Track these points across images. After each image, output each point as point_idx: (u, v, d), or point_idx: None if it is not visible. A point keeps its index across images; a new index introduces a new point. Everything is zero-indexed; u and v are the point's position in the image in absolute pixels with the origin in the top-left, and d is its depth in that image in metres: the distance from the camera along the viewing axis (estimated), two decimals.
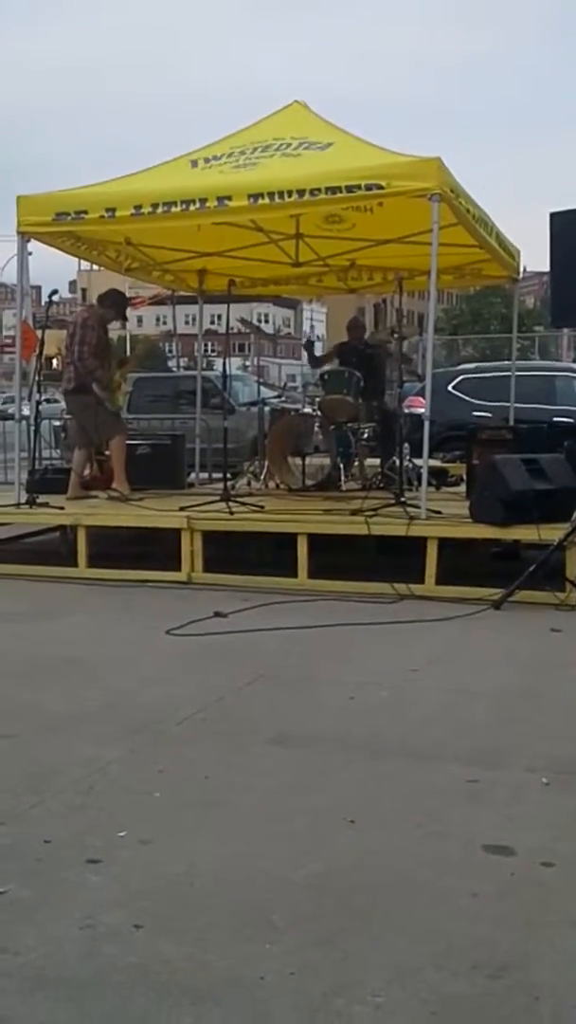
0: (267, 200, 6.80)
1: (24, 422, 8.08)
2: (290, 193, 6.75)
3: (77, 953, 2.34)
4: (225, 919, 2.49)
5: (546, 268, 7.52)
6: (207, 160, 7.54)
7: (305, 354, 10.48)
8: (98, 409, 7.97)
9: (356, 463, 8.64)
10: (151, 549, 7.31)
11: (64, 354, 8.14)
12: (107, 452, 8.29)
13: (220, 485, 7.81)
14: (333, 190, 6.66)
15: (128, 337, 56.65)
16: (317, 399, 8.81)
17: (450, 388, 11.83)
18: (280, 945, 2.36)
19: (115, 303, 8.30)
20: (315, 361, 9.85)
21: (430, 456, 7.18)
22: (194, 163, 7.60)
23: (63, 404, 9.82)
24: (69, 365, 8.00)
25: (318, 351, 10.43)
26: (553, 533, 6.09)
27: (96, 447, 8.37)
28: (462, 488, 8.09)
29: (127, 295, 9.10)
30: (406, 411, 8.44)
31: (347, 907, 2.55)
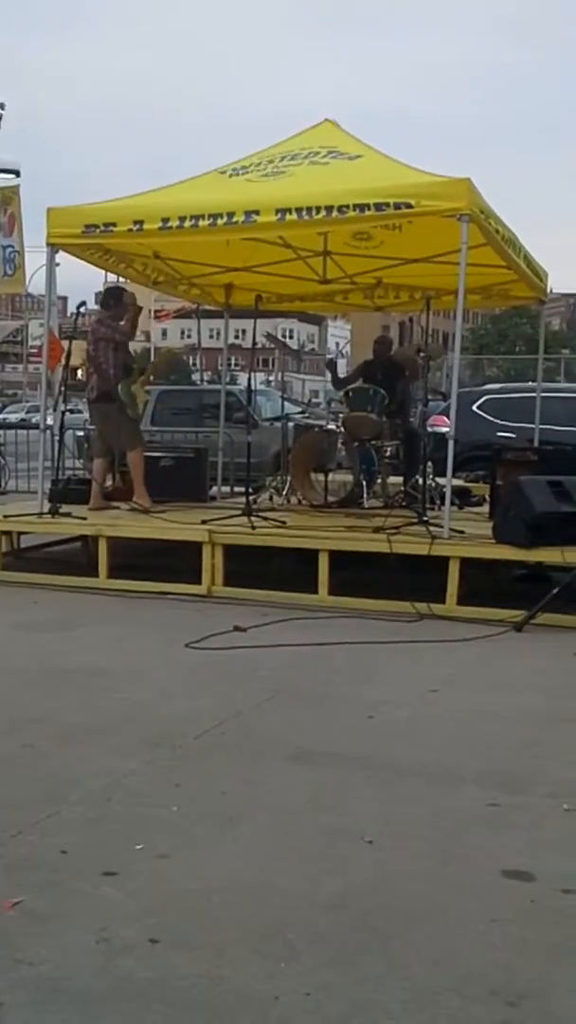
0: (295, 216, 6.81)
1: (48, 432, 8.12)
2: (318, 210, 6.76)
3: (92, 966, 2.32)
4: (241, 936, 2.47)
5: (572, 290, 7.51)
6: (236, 171, 7.59)
7: (329, 373, 10.45)
8: (121, 418, 8.01)
9: (379, 481, 8.63)
10: (172, 562, 7.31)
11: (87, 364, 8.19)
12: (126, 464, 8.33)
13: (242, 499, 7.80)
14: (362, 207, 6.67)
15: (152, 350, 57.04)
16: (341, 415, 8.81)
17: (474, 408, 11.79)
18: (296, 964, 2.34)
19: (113, 296, 8.33)
20: (338, 382, 9.83)
21: (453, 476, 7.15)
22: (223, 172, 7.65)
23: (86, 414, 9.88)
24: (92, 375, 8.06)
25: (342, 370, 10.41)
26: None
27: (116, 458, 8.42)
28: (485, 508, 8.05)
29: (154, 307, 9.15)
30: (430, 430, 8.43)
31: (365, 928, 2.52)
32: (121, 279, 10.61)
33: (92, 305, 11.15)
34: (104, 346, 7.94)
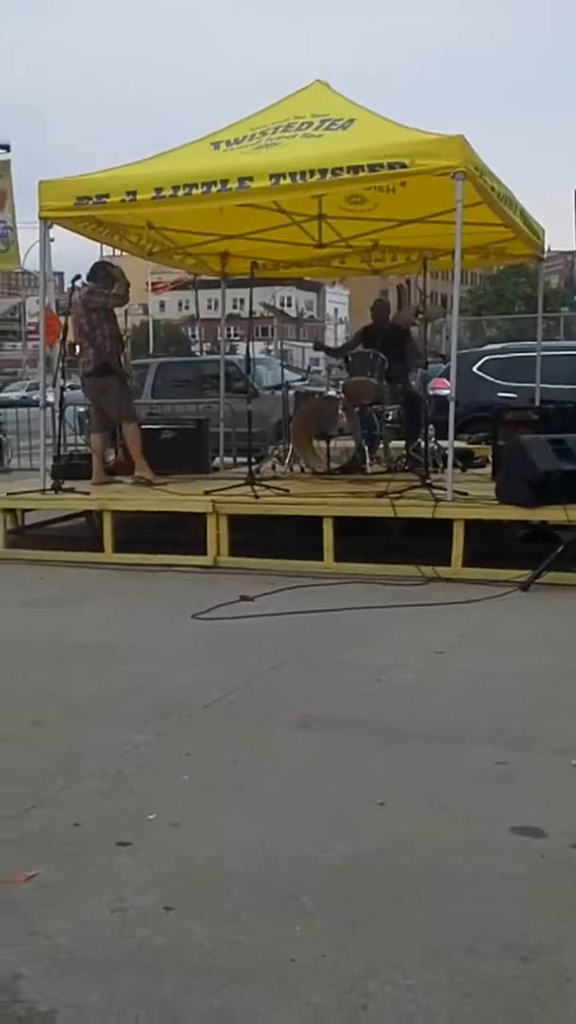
0: (289, 180, 6.75)
1: (48, 408, 8.10)
2: (312, 173, 6.70)
3: (108, 935, 2.35)
4: (255, 901, 2.49)
5: (570, 247, 7.44)
6: (228, 143, 7.49)
7: (322, 352, 10.39)
8: (121, 389, 8.01)
9: (381, 445, 8.60)
10: (176, 534, 7.32)
11: (79, 338, 8.07)
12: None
13: (245, 469, 7.79)
14: (356, 169, 6.60)
15: (151, 322, 56.80)
16: (341, 382, 8.77)
17: (475, 369, 11.75)
18: (310, 927, 2.36)
19: (101, 269, 8.27)
20: (336, 352, 9.76)
21: (455, 438, 7.13)
22: (215, 145, 7.55)
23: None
24: (87, 348, 7.98)
25: (340, 335, 10.36)
26: None
27: (117, 431, 8.40)
28: (488, 470, 8.03)
29: (150, 279, 9.10)
30: (431, 393, 8.39)
31: (377, 889, 2.54)
32: (116, 252, 10.54)
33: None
34: (98, 317, 7.88)
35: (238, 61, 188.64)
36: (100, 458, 8.19)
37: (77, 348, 8.14)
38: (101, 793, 3.17)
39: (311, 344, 18.13)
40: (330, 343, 10.21)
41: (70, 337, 8.19)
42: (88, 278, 8.23)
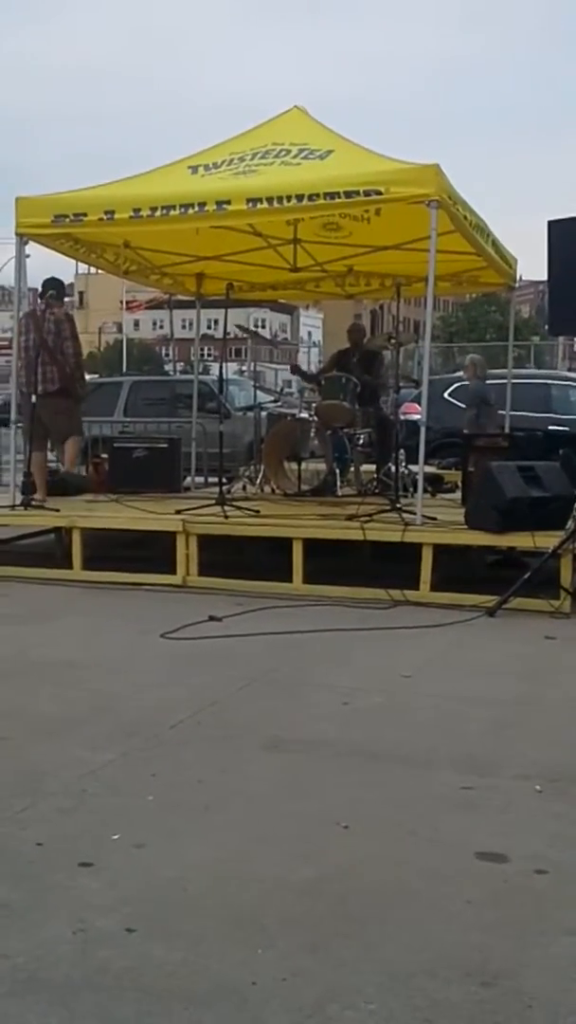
0: (266, 204, 6.81)
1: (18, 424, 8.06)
2: (289, 198, 6.76)
3: (69, 957, 2.33)
4: (218, 924, 2.48)
5: (541, 277, 7.55)
6: (207, 167, 7.53)
7: (298, 377, 10.41)
8: (73, 413, 8.10)
9: (352, 468, 8.64)
10: (146, 552, 7.30)
11: (29, 354, 7.86)
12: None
13: (216, 489, 7.80)
14: (332, 195, 6.67)
15: (124, 341, 56.75)
16: (313, 404, 8.81)
17: (446, 395, 11.85)
18: (273, 950, 2.36)
19: (59, 290, 8.35)
20: (310, 377, 9.80)
21: (425, 463, 7.19)
22: (193, 169, 7.59)
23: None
24: (48, 365, 7.89)
25: (314, 358, 10.42)
26: (548, 541, 6.10)
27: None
28: (457, 495, 8.09)
29: (125, 298, 9.17)
30: (402, 417, 8.46)
31: (340, 913, 2.54)
32: (92, 269, 10.52)
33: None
34: (63, 335, 7.93)
35: (222, 78, 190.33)
36: (43, 476, 8.07)
37: (21, 362, 7.95)
38: (64, 813, 3.14)
39: (286, 366, 18.19)
40: (303, 366, 10.22)
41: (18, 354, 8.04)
42: (51, 295, 8.15)
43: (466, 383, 11.37)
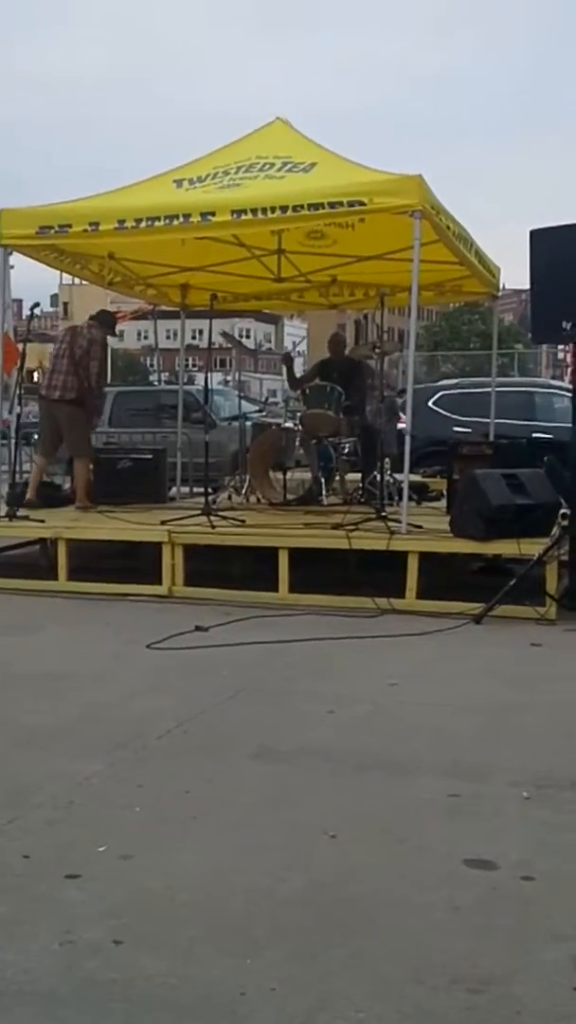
0: (250, 215, 6.83)
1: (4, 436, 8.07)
2: (273, 209, 6.79)
3: (56, 968, 2.32)
4: (206, 934, 2.47)
5: (524, 286, 7.59)
6: (191, 181, 7.55)
7: (284, 368, 10.43)
8: (86, 426, 8.14)
9: (337, 478, 8.66)
10: (132, 563, 7.29)
11: (58, 362, 8.12)
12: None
13: (201, 499, 7.80)
14: (316, 206, 6.70)
15: (109, 351, 56.66)
16: (298, 414, 8.83)
17: (430, 404, 11.88)
18: (261, 960, 2.35)
19: (109, 323, 8.61)
20: (294, 382, 9.83)
21: (411, 471, 7.21)
22: (178, 183, 7.59)
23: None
24: (75, 376, 8.06)
25: (298, 368, 10.43)
26: (533, 548, 6.12)
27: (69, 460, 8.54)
28: (443, 503, 8.12)
29: (110, 308, 9.22)
30: (399, 427, 8.48)
31: (328, 922, 2.54)
32: (76, 280, 10.54)
33: (47, 307, 11.11)
34: (94, 352, 8.09)
35: (210, 86, 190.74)
36: (37, 479, 8.27)
37: (35, 375, 8.21)
38: (51, 824, 3.13)
39: (270, 376, 18.21)
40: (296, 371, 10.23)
41: (30, 363, 8.25)
42: (99, 319, 8.47)
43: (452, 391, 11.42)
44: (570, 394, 7.41)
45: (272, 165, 7.40)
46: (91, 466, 8.32)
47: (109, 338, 8.54)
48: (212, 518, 7.18)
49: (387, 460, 7.93)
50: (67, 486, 8.59)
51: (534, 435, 10.48)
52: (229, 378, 30.49)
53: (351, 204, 6.67)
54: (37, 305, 8.82)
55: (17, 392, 8.61)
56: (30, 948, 2.40)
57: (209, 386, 9.27)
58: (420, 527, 6.84)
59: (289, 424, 8.83)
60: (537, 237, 6.55)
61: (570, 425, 6.50)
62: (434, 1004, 2.18)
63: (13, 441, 7.94)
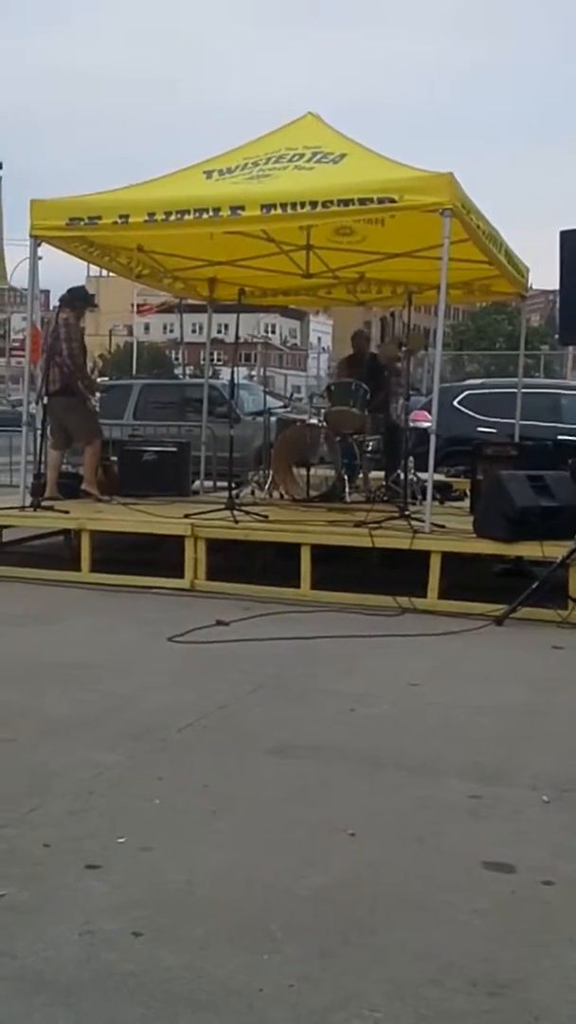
0: (280, 211, 6.83)
1: (30, 425, 8.11)
2: (303, 204, 6.78)
3: (75, 959, 2.33)
4: (224, 929, 2.48)
5: (551, 287, 7.54)
6: (221, 172, 7.57)
7: (314, 364, 10.44)
8: (83, 410, 8.14)
9: (360, 475, 8.65)
10: (154, 556, 7.31)
11: (45, 355, 8.20)
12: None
13: (225, 493, 7.80)
14: (345, 202, 6.69)
15: (135, 344, 56.85)
16: (323, 410, 8.82)
17: (455, 403, 11.82)
18: (279, 956, 2.36)
19: (82, 298, 8.54)
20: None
21: (435, 470, 7.18)
22: (208, 174, 7.62)
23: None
24: (54, 367, 8.06)
25: (323, 363, 10.43)
26: (557, 550, 6.09)
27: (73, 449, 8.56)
28: (466, 503, 8.09)
29: (136, 301, 9.23)
30: (411, 424, 8.46)
31: (347, 920, 2.54)
32: (104, 272, 10.56)
33: None
34: (68, 338, 8.04)
35: (239, 82, 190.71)
36: (55, 473, 8.27)
37: (39, 365, 8.27)
38: (72, 814, 3.15)
39: (295, 372, 18.22)
40: (312, 371, 10.25)
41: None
42: (68, 299, 8.31)
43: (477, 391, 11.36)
44: None
45: (302, 156, 7.39)
46: (98, 448, 8.36)
47: (136, 325, 8.58)
48: (235, 513, 7.19)
49: (411, 458, 7.91)
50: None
51: (559, 437, 10.41)
52: (255, 373, 30.51)
53: (381, 201, 6.66)
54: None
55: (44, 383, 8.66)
56: (50, 937, 2.41)
57: (235, 380, 9.27)
58: (443, 527, 6.82)
59: (314, 420, 8.82)
60: (567, 238, 6.50)
61: None
62: (452, 1006, 2.18)
63: (40, 431, 7.96)
